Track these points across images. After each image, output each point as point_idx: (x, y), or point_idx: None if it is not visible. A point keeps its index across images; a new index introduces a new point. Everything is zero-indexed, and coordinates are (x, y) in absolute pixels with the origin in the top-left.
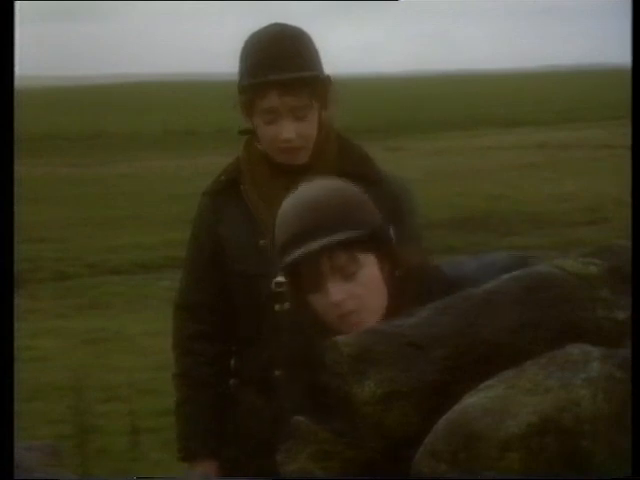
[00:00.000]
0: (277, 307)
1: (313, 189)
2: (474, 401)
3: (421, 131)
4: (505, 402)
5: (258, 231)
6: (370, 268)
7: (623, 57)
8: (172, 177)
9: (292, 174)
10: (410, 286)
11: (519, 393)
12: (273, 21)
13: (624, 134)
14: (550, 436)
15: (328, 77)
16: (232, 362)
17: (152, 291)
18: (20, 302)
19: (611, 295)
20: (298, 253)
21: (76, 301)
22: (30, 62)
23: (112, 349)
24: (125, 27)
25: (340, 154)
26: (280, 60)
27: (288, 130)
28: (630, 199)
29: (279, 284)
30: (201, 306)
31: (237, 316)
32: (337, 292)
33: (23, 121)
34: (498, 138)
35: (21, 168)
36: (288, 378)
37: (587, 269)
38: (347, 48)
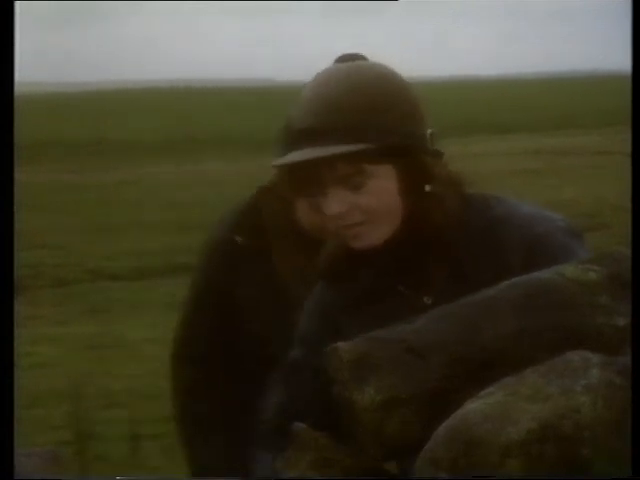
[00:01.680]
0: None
1: (338, 79)
2: (474, 407)
3: None
4: (505, 409)
5: (290, 308)
6: (384, 179)
7: (620, 63)
8: (172, 184)
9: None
10: (440, 205)
11: (519, 400)
12: (275, 27)
13: (622, 140)
14: (550, 443)
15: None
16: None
17: (152, 297)
18: (20, 308)
19: (611, 301)
20: (295, 157)
21: (76, 307)
22: (30, 68)
23: (112, 355)
24: (125, 34)
25: None
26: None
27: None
28: (629, 205)
29: None
30: (201, 358)
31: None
32: (337, 204)
33: (23, 128)
34: (495, 144)
35: (21, 175)
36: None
37: (587, 275)
38: (343, 53)
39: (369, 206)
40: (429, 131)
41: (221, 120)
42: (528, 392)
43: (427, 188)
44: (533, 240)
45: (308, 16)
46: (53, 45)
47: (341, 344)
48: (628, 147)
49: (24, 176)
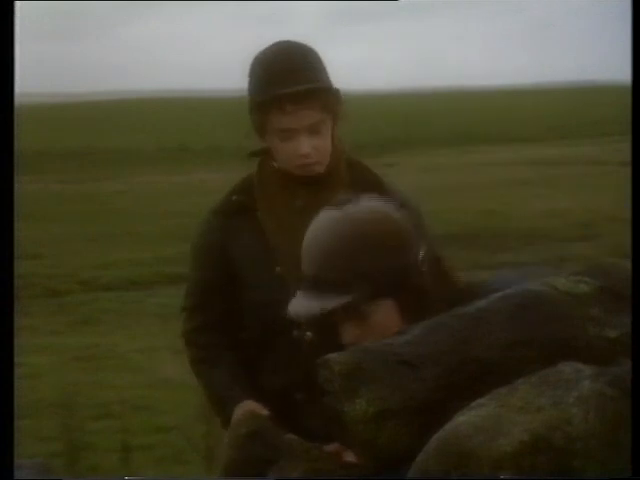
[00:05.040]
0: (295, 333)
1: (332, 227)
2: (466, 419)
3: (414, 147)
4: (497, 420)
5: (274, 258)
6: (382, 313)
7: (615, 74)
8: (165, 193)
9: (309, 192)
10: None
11: (511, 411)
12: (268, 38)
13: (616, 150)
14: (542, 454)
15: (338, 91)
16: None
17: (144, 307)
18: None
19: (602, 313)
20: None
21: (68, 318)
22: (26, 79)
23: (104, 366)
24: (120, 45)
25: (349, 169)
26: (291, 74)
27: (305, 145)
28: (623, 215)
29: None
30: (209, 328)
31: (249, 339)
32: (349, 336)
33: (18, 138)
34: (490, 154)
35: (16, 185)
36: (308, 401)
37: (578, 287)
38: (341, 64)
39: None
40: (421, 254)
41: (214, 130)
42: (519, 403)
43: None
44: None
45: (306, 26)
46: (47, 56)
47: (332, 356)
48: (622, 157)
49: (18, 186)
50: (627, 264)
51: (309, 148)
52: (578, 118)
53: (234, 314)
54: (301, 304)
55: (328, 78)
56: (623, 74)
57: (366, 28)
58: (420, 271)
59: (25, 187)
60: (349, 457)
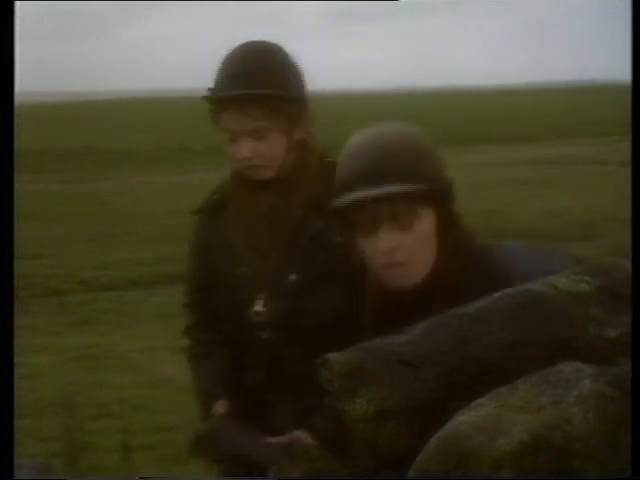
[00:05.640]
0: (261, 335)
1: (385, 132)
2: (466, 419)
3: None
4: (497, 420)
5: (237, 257)
6: (427, 223)
7: (615, 74)
8: (165, 193)
9: (275, 196)
10: (459, 254)
11: (511, 411)
12: (267, 38)
13: (615, 150)
14: (542, 454)
15: (301, 96)
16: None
17: (144, 307)
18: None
19: (602, 313)
20: (358, 195)
21: (68, 318)
22: (26, 79)
23: (104, 366)
24: (120, 45)
25: (324, 171)
26: (237, 77)
27: (244, 149)
28: (622, 215)
29: (259, 313)
30: (204, 324)
31: (227, 338)
32: (388, 241)
33: (18, 137)
34: (490, 154)
35: (16, 184)
36: (277, 401)
37: (578, 287)
38: (341, 64)
39: (414, 247)
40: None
41: (214, 130)
42: (519, 403)
43: (450, 237)
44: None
45: (306, 24)
46: (48, 56)
47: (333, 355)
48: (622, 157)
49: (17, 186)
50: (627, 264)
51: (249, 152)
52: (578, 118)
53: (223, 311)
54: (363, 193)
55: (288, 83)
56: (623, 74)
57: (366, 28)
58: (455, 194)
59: (25, 187)
60: (307, 440)
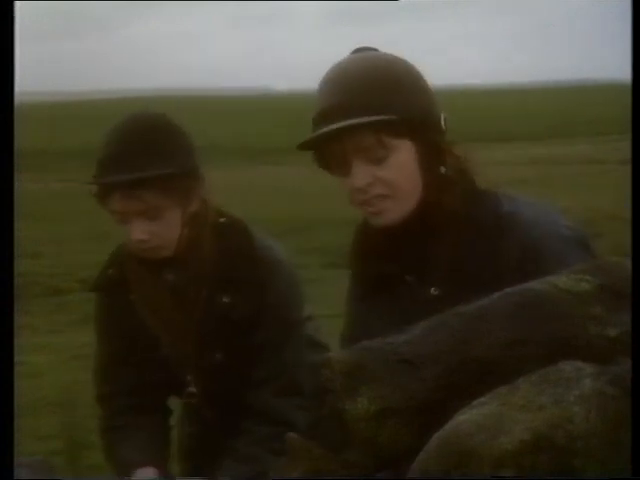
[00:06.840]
0: (198, 410)
1: (358, 62)
2: (467, 418)
3: None
4: (498, 419)
5: (154, 338)
6: (405, 155)
7: (615, 74)
8: None
9: (167, 273)
10: (452, 189)
11: (512, 410)
12: (268, 35)
13: (615, 149)
14: (543, 453)
15: (192, 168)
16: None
17: None
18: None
19: (603, 312)
20: (318, 132)
21: (68, 317)
22: (26, 79)
23: None
24: (120, 45)
25: (221, 237)
26: (124, 160)
27: (139, 231)
28: (623, 213)
29: (192, 394)
30: (120, 395)
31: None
32: (361, 175)
33: (18, 136)
34: (490, 153)
35: (16, 183)
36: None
37: (579, 286)
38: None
39: (391, 179)
40: (443, 116)
41: (214, 130)
42: (521, 402)
43: (442, 170)
44: (529, 245)
45: (306, 24)
46: (51, 55)
47: (334, 354)
48: (621, 156)
49: (18, 185)
50: (627, 262)
51: (145, 235)
52: (577, 117)
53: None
54: (327, 128)
55: (176, 160)
56: (623, 74)
57: (366, 28)
58: (440, 126)
59: (25, 186)
60: None
